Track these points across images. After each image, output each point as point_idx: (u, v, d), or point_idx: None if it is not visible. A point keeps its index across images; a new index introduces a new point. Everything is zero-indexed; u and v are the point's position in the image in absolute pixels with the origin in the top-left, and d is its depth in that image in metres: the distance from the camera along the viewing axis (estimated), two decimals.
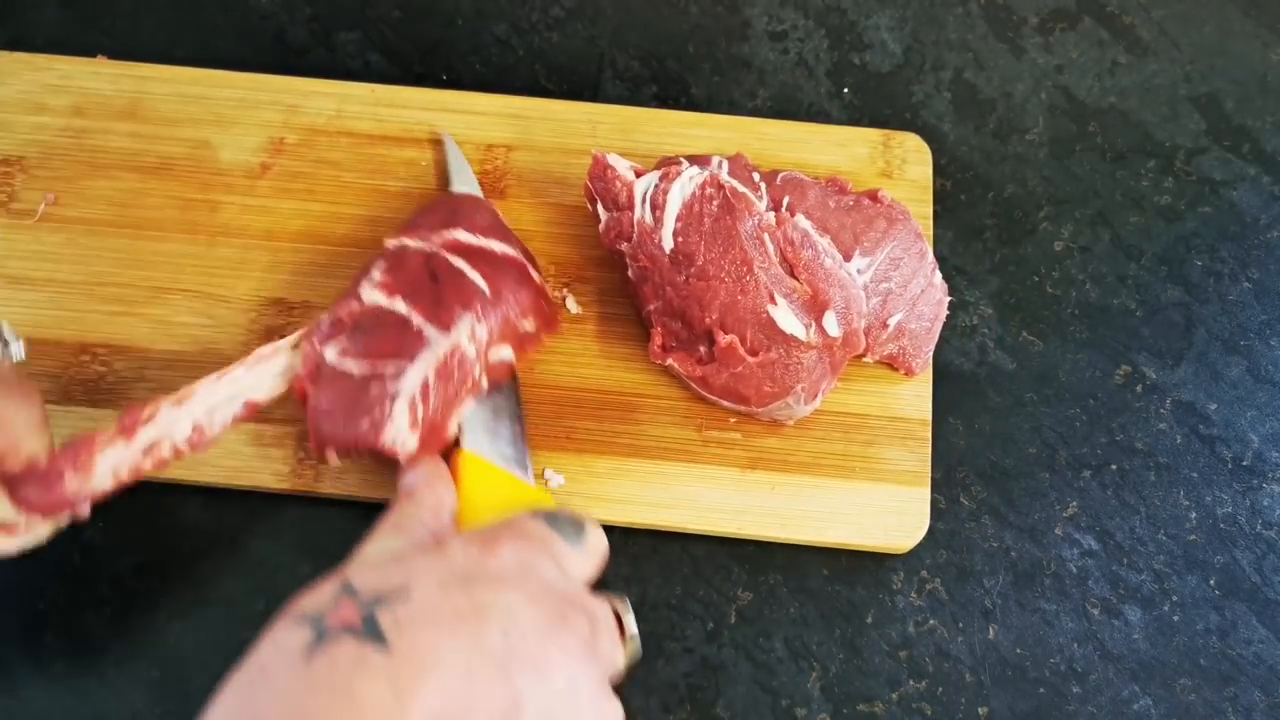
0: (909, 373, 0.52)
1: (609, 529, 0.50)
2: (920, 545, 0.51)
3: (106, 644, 0.48)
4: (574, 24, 0.62)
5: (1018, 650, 0.49)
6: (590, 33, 0.62)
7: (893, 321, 0.50)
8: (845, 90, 0.60)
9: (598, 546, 0.41)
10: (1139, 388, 0.54)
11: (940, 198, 0.57)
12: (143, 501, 0.50)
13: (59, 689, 0.47)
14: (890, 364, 0.52)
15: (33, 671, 0.48)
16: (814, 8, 0.63)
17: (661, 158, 0.52)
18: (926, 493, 0.50)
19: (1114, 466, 0.53)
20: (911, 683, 0.49)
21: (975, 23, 0.62)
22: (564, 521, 0.41)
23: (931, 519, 0.51)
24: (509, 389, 0.50)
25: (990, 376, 0.54)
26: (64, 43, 0.58)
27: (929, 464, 0.51)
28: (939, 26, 0.62)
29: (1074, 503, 0.52)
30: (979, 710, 0.48)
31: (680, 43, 0.62)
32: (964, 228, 0.57)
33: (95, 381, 0.51)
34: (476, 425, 0.48)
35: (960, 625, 0.50)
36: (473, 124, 0.57)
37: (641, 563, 0.50)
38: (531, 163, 0.56)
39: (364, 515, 0.50)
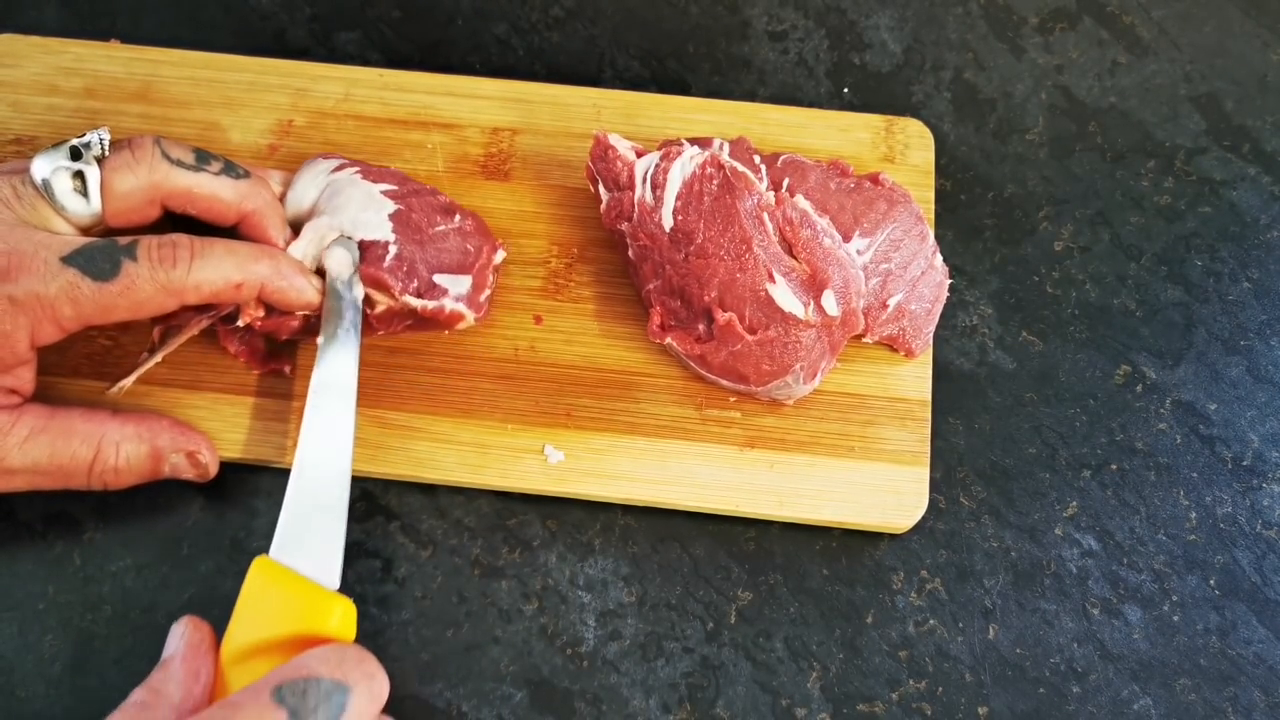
0: (909, 354, 0.52)
1: (610, 506, 0.51)
2: (920, 545, 0.51)
3: (106, 643, 0.48)
4: (574, 24, 0.62)
5: (1018, 650, 0.49)
6: (590, 32, 0.62)
7: (892, 302, 0.50)
8: (845, 90, 0.60)
9: (360, 712, 0.38)
10: (1139, 388, 0.54)
11: (940, 198, 0.57)
12: (143, 501, 0.50)
13: (59, 689, 0.47)
14: (890, 345, 0.52)
15: (33, 671, 0.48)
16: (814, 8, 0.63)
17: (663, 140, 0.52)
18: (925, 472, 0.50)
19: (1114, 466, 0.53)
20: (911, 683, 0.49)
21: (975, 23, 0.62)
22: (316, 697, 0.37)
23: (931, 519, 0.51)
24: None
25: (990, 376, 0.54)
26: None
27: (928, 444, 0.51)
28: (939, 26, 0.62)
29: (1074, 503, 0.52)
30: (979, 710, 0.48)
31: (680, 42, 0.62)
32: (964, 228, 0.57)
33: (102, 355, 0.51)
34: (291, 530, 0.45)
35: (960, 625, 0.50)
36: (478, 108, 0.57)
37: (641, 563, 0.50)
38: (535, 146, 0.56)
39: (364, 507, 0.50)
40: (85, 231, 0.46)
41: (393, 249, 0.49)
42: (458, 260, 0.50)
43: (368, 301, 0.49)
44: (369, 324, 0.50)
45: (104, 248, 0.44)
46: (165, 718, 0.39)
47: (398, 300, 0.49)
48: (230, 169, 0.47)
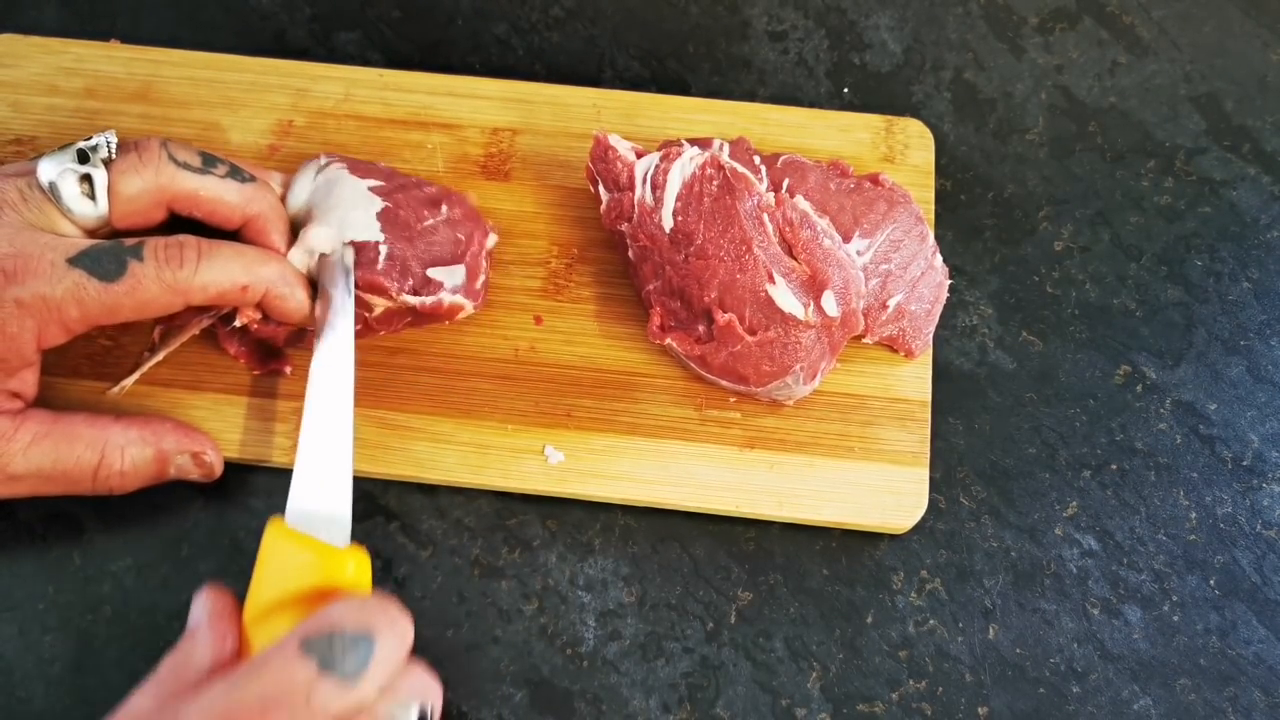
0: (909, 354, 0.52)
1: (610, 506, 0.51)
2: (920, 545, 0.51)
3: (106, 643, 0.48)
4: (574, 24, 0.62)
5: (1018, 650, 0.49)
6: (590, 32, 0.62)
7: (892, 303, 0.50)
8: (845, 90, 0.60)
9: (387, 657, 0.38)
10: (1139, 388, 0.54)
11: (940, 198, 0.57)
12: (143, 502, 0.50)
13: (59, 689, 0.47)
14: (890, 345, 0.52)
15: (33, 671, 0.48)
16: (814, 8, 0.63)
17: (663, 141, 0.52)
18: (925, 473, 0.50)
19: (1114, 466, 0.53)
20: (911, 683, 0.49)
21: (975, 23, 0.62)
22: (342, 646, 0.37)
23: (931, 519, 0.51)
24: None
25: (990, 376, 0.54)
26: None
27: (928, 444, 0.51)
28: (939, 26, 0.62)
29: (1074, 503, 0.52)
30: (979, 710, 0.48)
31: (680, 43, 0.62)
32: (964, 228, 0.57)
33: (102, 356, 0.51)
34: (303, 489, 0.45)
35: (960, 625, 0.50)
36: (478, 108, 0.57)
37: (641, 563, 0.50)
38: (536, 146, 0.56)
39: (364, 507, 0.50)
40: (91, 234, 0.46)
41: (383, 249, 0.49)
42: (449, 251, 0.50)
43: (366, 305, 0.49)
44: (369, 327, 0.51)
45: (110, 249, 0.44)
46: (196, 681, 0.39)
47: (395, 300, 0.49)
48: (236, 173, 0.47)
